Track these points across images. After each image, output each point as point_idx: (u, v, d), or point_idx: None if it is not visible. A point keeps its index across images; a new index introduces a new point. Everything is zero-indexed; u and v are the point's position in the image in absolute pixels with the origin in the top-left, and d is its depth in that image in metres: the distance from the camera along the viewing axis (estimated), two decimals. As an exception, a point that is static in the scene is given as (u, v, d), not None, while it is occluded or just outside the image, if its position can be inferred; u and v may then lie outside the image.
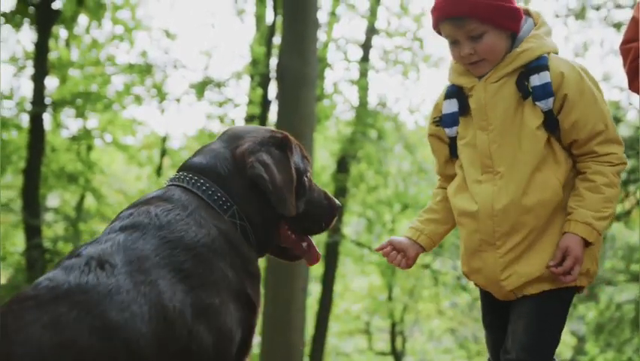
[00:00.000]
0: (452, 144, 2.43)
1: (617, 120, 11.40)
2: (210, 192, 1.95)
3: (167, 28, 13.00)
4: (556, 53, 2.37)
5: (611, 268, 11.89)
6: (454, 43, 2.34)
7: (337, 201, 2.22)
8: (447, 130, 2.42)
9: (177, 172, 2.05)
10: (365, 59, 13.72)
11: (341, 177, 13.40)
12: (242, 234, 1.96)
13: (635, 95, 2.78)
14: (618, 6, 10.62)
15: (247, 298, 1.90)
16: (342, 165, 13.53)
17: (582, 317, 12.97)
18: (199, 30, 21.10)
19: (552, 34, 2.41)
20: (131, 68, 12.41)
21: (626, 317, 11.03)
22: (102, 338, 1.61)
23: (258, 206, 1.99)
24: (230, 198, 1.96)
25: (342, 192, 13.46)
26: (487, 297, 2.47)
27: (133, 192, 13.62)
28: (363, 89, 13.54)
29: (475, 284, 2.48)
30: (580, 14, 11.54)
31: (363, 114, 13.24)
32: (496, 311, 2.44)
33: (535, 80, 2.27)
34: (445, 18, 2.32)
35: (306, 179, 2.13)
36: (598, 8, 11.40)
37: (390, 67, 14.08)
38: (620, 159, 2.32)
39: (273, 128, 2.16)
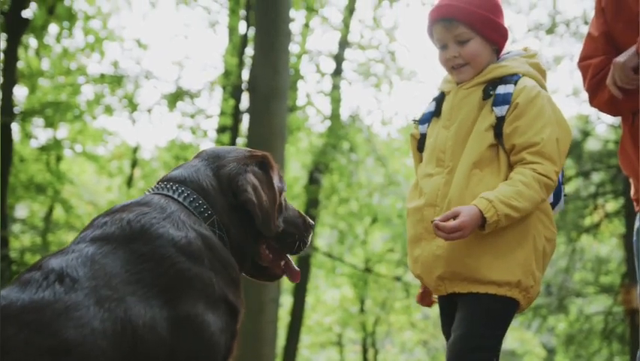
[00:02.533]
0: (421, 140, 2.64)
1: (586, 134, 11.59)
2: (191, 200, 1.91)
3: (139, 39, 12.94)
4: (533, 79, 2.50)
5: (580, 281, 12.01)
6: (442, 48, 2.55)
7: (310, 220, 2.22)
8: (420, 126, 2.65)
9: (157, 183, 2.00)
10: (338, 71, 13.76)
11: (313, 189, 13.39)
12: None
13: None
14: (587, 22, 10.79)
15: (229, 305, 1.85)
16: (314, 177, 13.52)
17: (552, 328, 13.08)
18: (171, 41, 20.99)
19: (544, 76, 2.57)
20: (102, 78, 12.31)
21: (596, 328, 11.14)
22: (56, 357, 1.51)
23: (240, 224, 1.97)
24: (211, 208, 1.92)
25: (313, 203, 13.45)
26: (443, 308, 2.55)
27: (103, 203, 13.49)
28: (336, 101, 13.57)
29: (418, 277, 2.54)
30: (550, 29, 11.70)
31: (336, 126, 13.26)
32: (452, 322, 2.47)
33: (501, 89, 2.46)
34: (438, 19, 2.52)
35: (283, 198, 2.14)
36: (568, 23, 11.57)
37: (363, 79, 14.13)
38: (545, 171, 2.36)
39: (248, 148, 2.15)
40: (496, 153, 2.43)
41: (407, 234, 2.56)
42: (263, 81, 8.25)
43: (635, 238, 2.77)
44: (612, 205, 11.52)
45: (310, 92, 13.92)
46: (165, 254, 1.74)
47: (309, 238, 2.20)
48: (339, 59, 13.88)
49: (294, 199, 13.51)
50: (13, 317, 1.54)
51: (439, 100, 2.61)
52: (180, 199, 1.90)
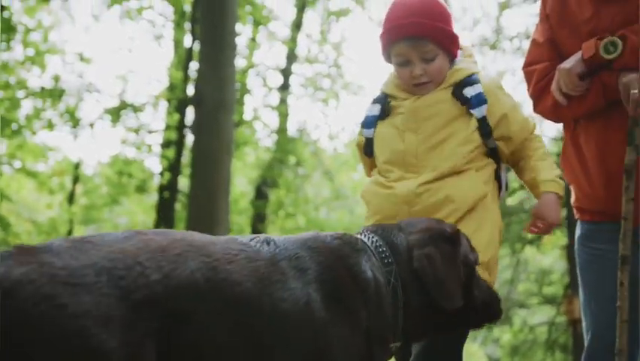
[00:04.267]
0: (367, 144, 2.63)
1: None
2: (378, 245, 2.08)
3: (81, 52, 12.65)
4: None
5: (524, 292, 12.17)
6: (404, 64, 2.54)
7: (498, 294, 2.30)
8: (365, 130, 2.64)
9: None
10: (285, 85, 13.74)
11: (260, 204, 13.29)
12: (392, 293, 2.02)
13: (547, 122, 2.81)
14: (529, 38, 11.00)
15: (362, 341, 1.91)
16: (261, 192, 13.43)
17: (497, 339, 13.20)
18: (115, 54, 20.65)
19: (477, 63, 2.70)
20: (42, 92, 11.99)
21: (539, 338, 11.28)
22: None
23: (422, 291, 2.05)
24: (392, 259, 2.06)
25: (260, 218, 13.35)
26: None
27: (43, 221, 13.11)
28: (283, 116, 13.53)
29: None
30: (494, 44, 11.91)
31: (283, 140, 13.21)
32: None
33: (470, 91, 2.52)
34: (404, 37, 2.51)
35: (475, 272, 2.20)
36: (511, 39, 11.80)
37: (311, 93, 14.14)
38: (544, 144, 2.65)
39: (442, 221, 2.28)
40: (480, 153, 2.54)
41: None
42: (209, 95, 8.15)
43: (576, 246, 2.78)
44: (555, 217, 11.71)
45: (257, 107, 13.86)
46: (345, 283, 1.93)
47: (501, 310, 2.28)
48: (286, 73, 13.86)
49: (241, 214, 13.39)
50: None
51: (384, 103, 2.61)
52: (368, 243, 2.07)
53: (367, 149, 2.64)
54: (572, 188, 2.78)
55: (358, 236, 2.11)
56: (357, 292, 1.92)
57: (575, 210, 2.79)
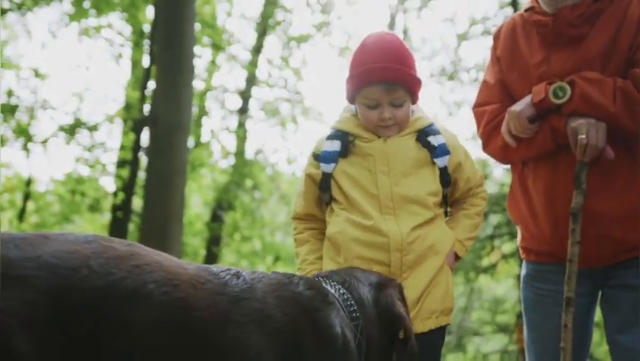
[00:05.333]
0: (325, 179, 2.62)
1: (485, 177, 11.93)
2: (346, 298, 2.08)
3: (37, 68, 12.45)
4: None
5: (478, 320, 12.26)
6: (373, 107, 2.57)
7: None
8: (323, 165, 2.62)
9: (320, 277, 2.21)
10: (244, 108, 13.71)
11: (215, 226, 13.18)
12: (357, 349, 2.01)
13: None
14: (485, 69, 11.19)
15: None
16: (217, 214, 13.32)
17: (451, 367, 13.26)
18: (72, 71, 20.39)
19: None
20: (-6, 106, 11.75)
21: (493, 367, 11.36)
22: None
23: (379, 348, 2.09)
24: (360, 314, 2.07)
25: (215, 241, 13.22)
26: None
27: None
28: (241, 139, 13.48)
29: None
30: (452, 75, 12.09)
31: (240, 163, 13.15)
32: None
33: (433, 140, 2.61)
34: (378, 81, 2.54)
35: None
36: (468, 70, 11.99)
37: (269, 117, 14.13)
38: (486, 195, 2.79)
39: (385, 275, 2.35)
40: (440, 202, 2.64)
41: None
42: (164, 116, 8.07)
43: (521, 285, 2.80)
44: (508, 247, 11.86)
45: (215, 129, 13.78)
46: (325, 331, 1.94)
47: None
48: (245, 96, 13.83)
49: (196, 236, 13.25)
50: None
51: (344, 140, 2.62)
52: (336, 295, 2.07)
53: (324, 184, 2.63)
54: (518, 228, 2.81)
55: (325, 286, 2.08)
56: (322, 348, 1.87)
57: (520, 250, 2.82)
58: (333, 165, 2.61)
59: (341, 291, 2.07)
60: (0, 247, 1.54)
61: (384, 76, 2.53)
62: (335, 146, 2.62)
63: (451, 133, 2.69)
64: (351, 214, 2.55)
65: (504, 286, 13.81)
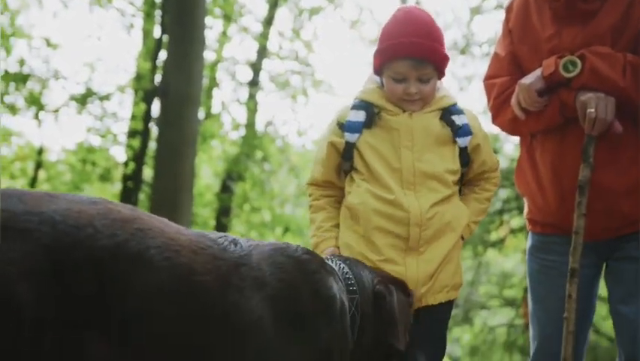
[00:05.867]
0: (348, 149, 2.63)
1: (495, 152, 11.89)
2: (348, 276, 2.11)
3: (48, 38, 12.46)
4: None
5: (485, 294, 12.31)
6: (400, 81, 2.58)
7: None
8: (347, 134, 2.63)
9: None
10: (255, 81, 13.69)
11: (225, 197, 13.24)
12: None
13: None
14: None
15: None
16: (227, 185, 13.38)
17: (457, 339, 13.35)
18: (83, 42, 20.37)
19: None
20: (6, 75, 11.78)
21: (498, 339, 11.42)
22: None
23: (372, 329, 2.08)
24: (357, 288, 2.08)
25: (225, 211, 13.30)
26: None
27: (3, 207, 12.86)
28: (252, 111, 13.48)
29: None
30: (464, 49, 12.01)
31: (250, 135, 13.17)
32: None
33: (457, 119, 2.62)
34: (405, 57, 2.54)
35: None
36: (480, 45, 11.91)
37: (280, 90, 14.11)
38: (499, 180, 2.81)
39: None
40: (457, 180, 2.67)
41: (366, 244, 2.55)
42: (175, 87, 8.09)
43: (526, 257, 2.84)
44: (517, 221, 11.88)
45: (226, 101, 13.78)
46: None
47: None
48: (256, 68, 13.81)
49: (206, 207, 13.34)
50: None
51: (369, 111, 2.63)
52: (336, 268, 2.10)
53: (347, 153, 2.65)
54: (525, 200, 2.84)
55: (326, 259, 2.10)
56: (319, 311, 1.89)
57: (527, 222, 2.85)
58: (357, 135, 2.62)
59: (341, 266, 2.10)
60: (3, 200, 1.55)
61: (413, 51, 2.54)
62: (360, 116, 2.64)
63: (472, 114, 2.71)
64: (372, 186, 2.58)
65: (512, 260, 13.83)
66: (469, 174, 2.72)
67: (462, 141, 2.63)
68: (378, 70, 2.65)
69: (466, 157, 2.65)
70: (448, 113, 2.64)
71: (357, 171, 2.64)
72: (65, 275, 1.55)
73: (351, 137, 2.63)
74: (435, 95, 2.65)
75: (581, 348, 2.70)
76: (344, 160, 2.66)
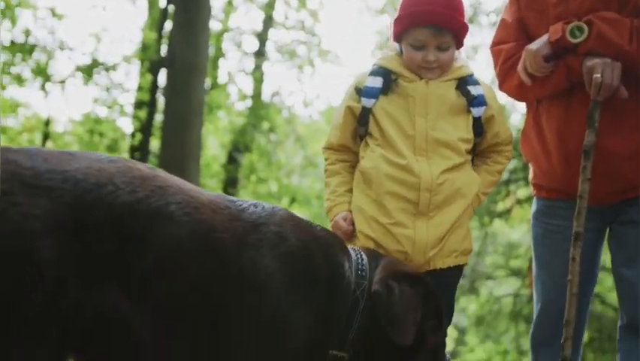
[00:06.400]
0: (364, 114, 2.67)
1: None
2: (358, 256, 2.09)
3: (53, 8, 12.41)
4: None
5: (491, 264, 12.36)
6: (419, 48, 2.61)
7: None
8: (364, 100, 2.67)
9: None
10: (261, 51, 13.64)
11: (231, 168, 13.28)
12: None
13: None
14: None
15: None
16: (233, 156, 13.41)
17: (463, 309, 13.44)
18: (89, 12, 20.30)
19: None
20: (12, 46, 11.76)
21: (504, 309, 11.47)
22: None
23: (376, 316, 2.01)
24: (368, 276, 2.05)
25: (232, 182, 13.34)
26: None
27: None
28: (258, 81, 13.45)
29: (401, 254, 2.56)
30: (471, 19, 11.91)
31: (257, 106, 13.15)
32: None
33: (473, 90, 2.65)
34: (426, 24, 2.58)
35: (428, 334, 2.12)
36: (488, 14, 11.80)
37: (286, 60, 14.06)
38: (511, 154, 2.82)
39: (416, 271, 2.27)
40: (470, 150, 2.68)
41: (378, 208, 2.58)
42: (181, 57, 8.09)
43: (531, 221, 2.86)
44: (523, 192, 11.89)
45: (232, 71, 13.75)
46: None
47: None
48: (262, 38, 13.75)
49: (213, 178, 13.38)
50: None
51: (387, 78, 2.67)
52: (352, 254, 2.09)
53: (362, 118, 2.68)
54: (530, 166, 2.86)
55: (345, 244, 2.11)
56: (327, 277, 1.91)
57: (532, 187, 2.87)
58: (373, 100, 2.66)
59: (359, 253, 2.10)
60: (28, 158, 1.59)
61: (433, 20, 2.57)
62: (377, 82, 2.67)
63: (489, 86, 2.74)
64: (385, 151, 2.62)
65: (518, 231, 13.85)
66: (482, 144, 2.74)
67: (476, 111, 2.66)
68: (398, 37, 2.68)
69: (479, 127, 2.68)
70: (464, 83, 2.66)
71: (372, 136, 2.68)
72: (86, 233, 1.58)
73: (367, 102, 2.67)
74: (453, 65, 2.68)
75: (584, 311, 2.74)
76: (360, 125, 2.70)
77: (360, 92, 2.69)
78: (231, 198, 1.91)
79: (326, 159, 2.83)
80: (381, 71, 2.69)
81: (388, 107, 2.65)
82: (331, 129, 2.81)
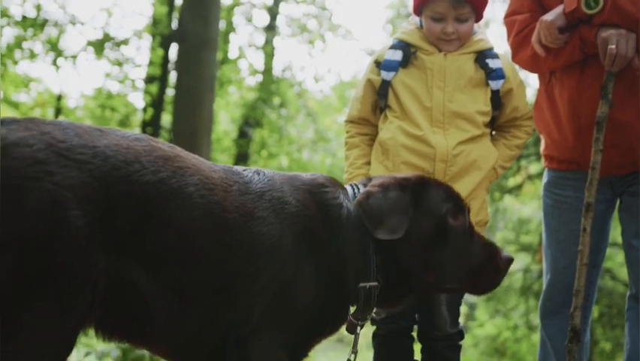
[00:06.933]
0: (383, 86, 2.73)
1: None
2: (355, 186, 2.11)
3: (64, -18, 12.39)
4: None
5: (502, 239, 12.37)
6: (438, 20, 2.66)
7: (507, 254, 2.06)
8: (384, 72, 2.73)
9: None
10: (272, 25, 13.58)
11: (242, 143, 13.30)
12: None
13: (530, 74, 2.87)
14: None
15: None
16: (244, 131, 13.41)
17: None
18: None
19: None
20: (24, 21, 11.76)
21: (514, 285, 11.50)
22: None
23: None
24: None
25: (243, 157, 13.37)
26: None
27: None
28: (269, 56, 13.41)
29: None
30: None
31: (267, 81, 13.13)
32: None
33: (491, 63, 2.69)
34: None
35: (450, 222, 2.03)
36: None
37: (297, 34, 13.99)
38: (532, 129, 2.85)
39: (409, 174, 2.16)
40: (488, 122, 2.71)
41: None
42: (192, 31, 8.06)
43: (542, 193, 2.87)
44: (535, 167, 11.86)
45: (243, 45, 13.71)
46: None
47: (495, 283, 2.07)
48: (273, 12, 13.68)
49: (224, 152, 13.41)
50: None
51: (407, 51, 2.72)
52: (349, 189, 2.09)
53: (382, 91, 2.74)
54: (542, 137, 2.86)
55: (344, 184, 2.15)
56: (329, 225, 1.97)
57: (543, 159, 2.87)
58: (393, 73, 2.72)
59: (355, 187, 2.12)
60: (61, 131, 1.67)
61: None
62: (397, 55, 2.72)
63: (508, 61, 2.77)
64: (403, 123, 2.68)
65: (529, 207, 13.83)
66: (501, 118, 2.77)
67: (494, 84, 2.69)
68: (418, 10, 2.72)
69: (497, 100, 2.71)
70: (483, 56, 2.70)
71: (391, 108, 2.73)
72: (113, 207, 1.66)
73: (387, 75, 2.73)
74: (472, 38, 2.71)
75: (593, 282, 2.76)
76: (379, 97, 2.75)
77: (380, 65, 2.75)
78: (237, 170, 1.99)
79: (347, 132, 2.88)
80: (401, 45, 2.74)
81: (407, 80, 2.70)
82: (352, 102, 2.87)
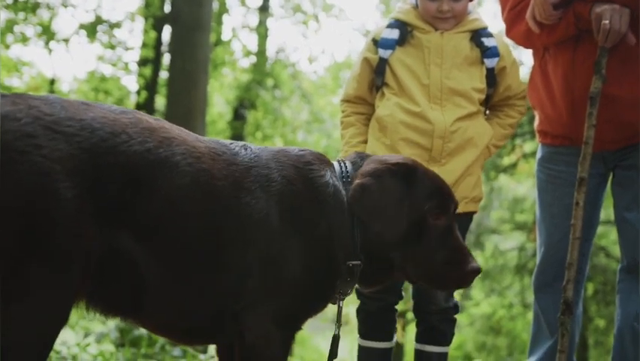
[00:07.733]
0: (380, 64, 2.77)
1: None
2: (342, 165, 2.10)
3: (55, -36, 12.26)
4: None
5: (497, 218, 12.42)
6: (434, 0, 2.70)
7: (475, 264, 2.02)
8: (381, 50, 2.77)
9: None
10: (265, 6, 13.51)
11: (237, 125, 13.28)
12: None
13: (524, 52, 2.87)
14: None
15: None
16: (239, 113, 13.39)
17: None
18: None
19: None
20: (15, 4, 11.68)
21: (509, 263, 11.56)
22: None
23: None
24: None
25: (238, 139, 13.33)
26: None
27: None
28: (262, 37, 13.36)
29: None
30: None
31: (261, 62, 13.08)
32: None
33: (486, 41, 2.74)
34: None
35: (429, 222, 2.01)
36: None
37: (291, 15, 13.93)
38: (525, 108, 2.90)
39: (403, 157, 2.13)
40: (482, 100, 2.77)
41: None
42: (185, 13, 8.03)
43: (535, 168, 2.89)
44: (529, 146, 11.88)
45: (236, 27, 13.65)
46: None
47: (460, 284, 2.07)
48: (266, -8, 13.61)
49: (218, 135, 13.39)
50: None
51: (403, 30, 2.76)
52: (336, 164, 2.10)
53: (379, 69, 2.77)
54: (536, 113, 2.88)
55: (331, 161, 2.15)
56: (316, 203, 1.98)
57: (537, 134, 2.89)
58: (390, 51, 2.76)
59: (342, 163, 2.13)
60: (47, 105, 1.69)
61: None
62: (394, 34, 2.76)
63: (503, 40, 2.81)
64: (401, 100, 2.71)
65: (524, 186, 13.87)
66: (495, 97, 2.81)
67: (489, 62, 2.74)
68: None
69: (492, 78, 2.76)
70: (478, 35, 2.75)
71: (388, 86, 2.76)
72: (102, 177, 1.68)
73: (384, 53, 2.76)
74: (466, 17, 2.76)
75: (585, 255, 2.79)
76: (376, 75, 2.78)
77: (377, 43, 2.78)
78: (225, 142, 2.01)
79: (342, 112, 2.90)
80: (398, 24, 2.78)
81: (404, 58, 2.74)
82: (348, 82, 2.89)
